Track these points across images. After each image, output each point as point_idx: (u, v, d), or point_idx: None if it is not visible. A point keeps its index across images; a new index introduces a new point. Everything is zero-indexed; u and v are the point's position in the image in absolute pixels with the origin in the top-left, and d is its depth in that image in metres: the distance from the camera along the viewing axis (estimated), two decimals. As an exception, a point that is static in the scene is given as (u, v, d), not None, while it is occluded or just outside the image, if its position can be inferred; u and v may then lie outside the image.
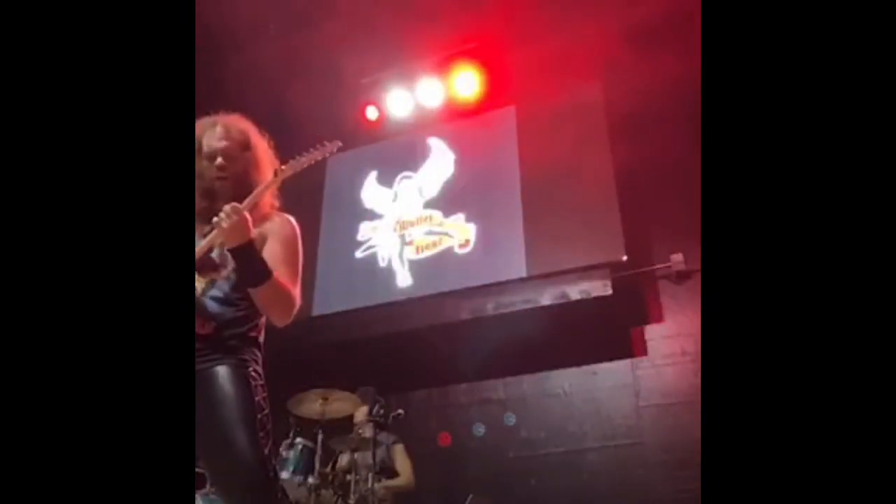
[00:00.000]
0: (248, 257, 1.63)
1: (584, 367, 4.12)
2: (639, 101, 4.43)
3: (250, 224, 1.62)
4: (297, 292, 1.74)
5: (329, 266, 4.78)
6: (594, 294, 4.06)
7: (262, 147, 1.91)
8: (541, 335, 4.04)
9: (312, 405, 3.50)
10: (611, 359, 4.11)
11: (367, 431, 3.59)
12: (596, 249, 4.14)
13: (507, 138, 4.68)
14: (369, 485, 3.35)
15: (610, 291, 4.05)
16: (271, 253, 1.70)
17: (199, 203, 1.73)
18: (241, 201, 1.62)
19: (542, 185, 4.41)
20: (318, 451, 3.38)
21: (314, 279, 4.68)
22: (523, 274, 4.26)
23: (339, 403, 3.56)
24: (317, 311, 4.66)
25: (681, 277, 4.18)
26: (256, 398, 1.61)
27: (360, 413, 3.75)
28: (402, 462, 3.73)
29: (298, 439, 3.45)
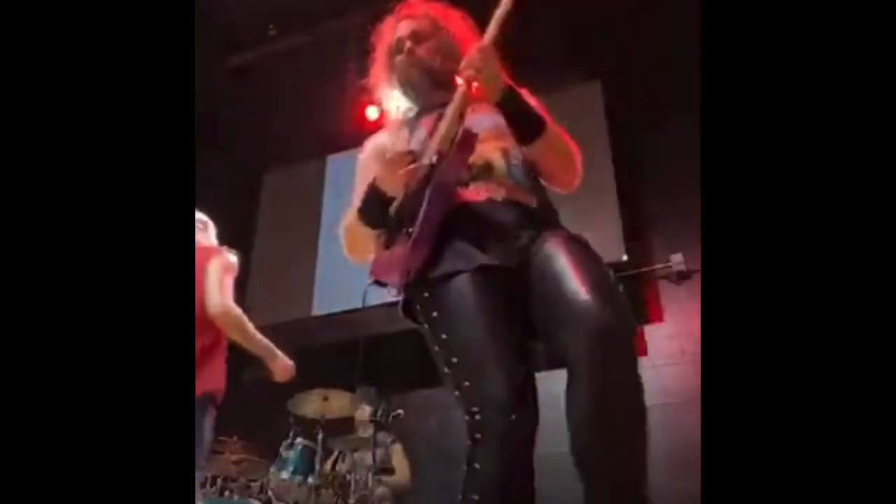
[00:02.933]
0: (515, 104, 1.37)
1: (585, 367, 4.11)
2: (639, 101, 4.43)
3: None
4: (576, 146, 1.47)
5: (329, 266, 4.78)
6: (594, 294, 4.06)
7: (455, 16, 1.63)
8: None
9: (312, 405, 3.51)
10: (611, 359, 4.10)
11: (367, 431, 3.60)
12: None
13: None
14: (369, 485, 3.36)
15: (610, 291, 4.04)
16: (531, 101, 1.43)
17: (413, 95, 1.57)
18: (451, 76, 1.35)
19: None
20: (318, 451, 3.38)
21: (314, 279, 4.68)
22: (523, 274, 4.25)
23: (339, 403, 3.56)
24: (317, 311, 4.66)
25: (681, 277, 4.18)
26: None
27: (361, 413, 3.75)
28: (401, 462, 3.73)
29: (298, 439, 3.46)
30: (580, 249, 1.31)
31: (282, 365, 2.47)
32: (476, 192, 1.36)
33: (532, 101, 1.46)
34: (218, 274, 2.44)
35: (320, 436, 3.42)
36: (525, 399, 1.25)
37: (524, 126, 1.40)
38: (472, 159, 1.36)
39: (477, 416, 1.20)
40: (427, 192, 1.29)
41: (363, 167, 1.57)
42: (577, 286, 1.20)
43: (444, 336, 1.28)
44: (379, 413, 3.58)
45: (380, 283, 1.37)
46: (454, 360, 1.25)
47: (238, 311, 2.43)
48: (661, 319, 4.19)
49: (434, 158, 1.31)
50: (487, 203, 1.35)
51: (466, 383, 1.22)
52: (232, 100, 5.34)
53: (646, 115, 4.43)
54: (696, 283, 4.07)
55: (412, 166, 1.32)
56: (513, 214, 1.34)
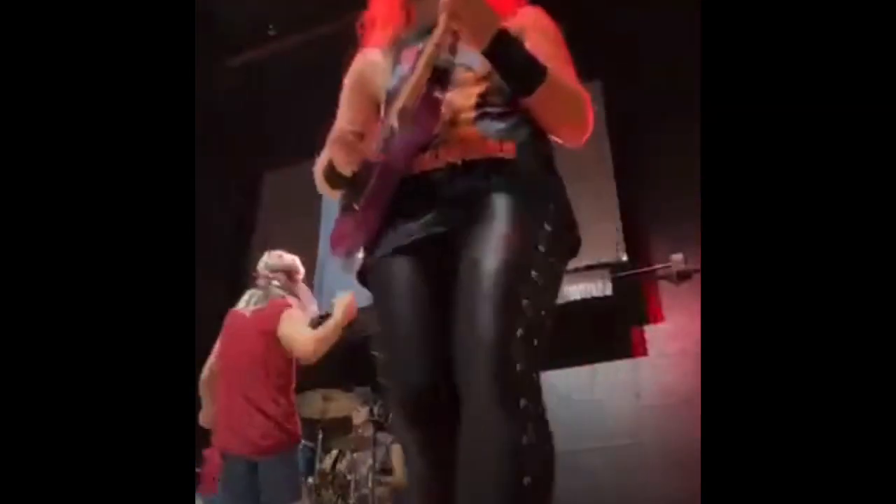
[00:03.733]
0: (507, 55, 1.17)
1: (584, 367, 4.12)
2: (639, 101, 4.43)
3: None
4: (586, 94, 1.27)
5: (329, 266, 4.77)
6: (594, 294, 4.06)
7: None
8: (541, 335, 4.03)
9: (313, 405, 3.51)
10: (611, 359, 4.11)
11: (367, 431, 3.60)
12: (596, 249, 4.14)
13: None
14: (369, 485, 3.36)
15: (610, 291, 4.05)
16: (536, 50, 1.22)
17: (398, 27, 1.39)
18: None
19: (542, 185, 4.40)
20: (319, 451, 3.38)
21: (314, 279, 4.68)
22: (523, 274, 4.25)
23: (339, 403, 3.56)
24: (317, 311, 4.65)
25: (681, 277, 4.18)
26: None
27: (357, 415, 3.75)
28: (401, 462, 3.73)
29: (298, 439, 3.46)
30: (515, 227, 1.14)
31: (345, 308, 2.63)
32: (434, 158, 1.22)
33: (535, 34, 1.29)
34: (290, 328, 2.60)
35: (320, 436, 3.42)
36: (447, 377, 1.11)
37: (518, 78, 1.20)
38: (443, 109, 1.19)
39: (388, 390, 1.16)
40: (377, 167, 1.21)
41: (346, 90, 1.47)
42: (486, 310, 1.06)
43: (378, 316, 1.22)
44: (378, 413, 3.58)
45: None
46: (380, 339, 1.21)
47: (314, 344, 2.59)
48: (661, 319, 4.19)
49: (396, 125, 1.19)
50: (446, 170, 1.20)
51: (384, 359, 1.18)
52: (232, 100, 5.34)
53: (646, 115, 4.43)
54: (696, 283, 4.07)
55: (362, 149, 1.23)
56: (470, 179, 1.19)
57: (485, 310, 1.06)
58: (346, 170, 1.25)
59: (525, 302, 1.09)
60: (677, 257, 4.17)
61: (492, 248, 1.11)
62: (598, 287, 4.06)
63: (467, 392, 1.06)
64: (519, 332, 1.06)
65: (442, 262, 1.17)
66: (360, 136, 1.25)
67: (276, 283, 2.76)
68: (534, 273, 1.12)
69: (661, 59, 4.33)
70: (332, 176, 1.29)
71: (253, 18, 5.08)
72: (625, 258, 4.09)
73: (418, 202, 1.22)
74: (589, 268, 4.10)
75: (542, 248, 1.15)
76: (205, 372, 2.68)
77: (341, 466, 3.68)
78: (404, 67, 1.31)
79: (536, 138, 1.26)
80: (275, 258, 2.84)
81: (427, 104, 1.16)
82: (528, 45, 1.23)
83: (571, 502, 3.85)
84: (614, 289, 4.06)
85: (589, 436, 3.91)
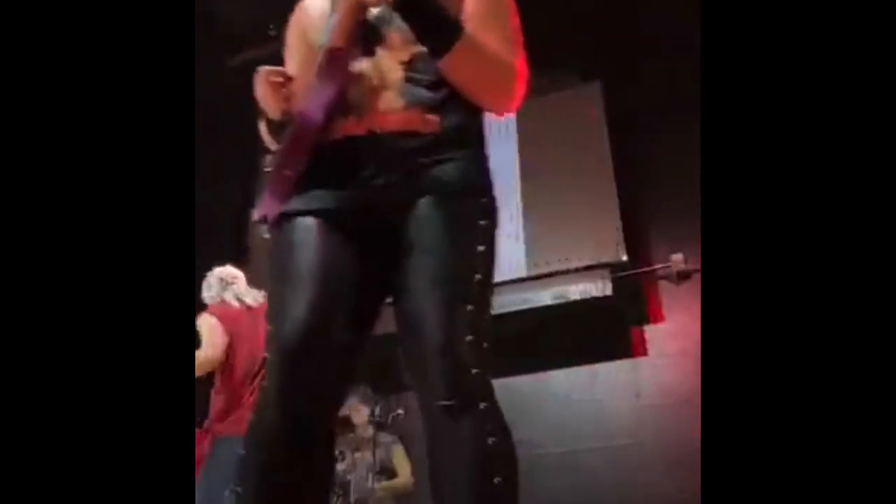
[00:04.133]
0: (416, 7, 1.11)
1: (584, 367, 4.12)
2: (639, 101, 4.43)
3: None
4: (518, 61, 1.20)
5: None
6: (594, 294, 4.06)
7: None
8: (541, 335, 4.04)
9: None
10: (611, 359, 4.11)
11: (368, 431, 3.60)
12: (596, 249, 4.14)
13: (507, 138, 4.68)
14: (369, 485, 3.36)
15: (610, 291, 4.05)
16: (470, 12, 1.17)
17: None
18: None
19: (542, 185, 4.41)
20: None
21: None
22: (523, 274, 4.26)
23: (339, 403, 3.56)
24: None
25: (681, 277, 4.18)
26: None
27: (357, 415, 3.75)
28: (401, 463, 3.74)
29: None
30: (454, 227, 1.11)
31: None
32: (356, 124, 1.16)
33: None
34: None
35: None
36: (334, 326, 1.07)
37: (430, 34, 1.12)
38: (369, 73, 1.15)
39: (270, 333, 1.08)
40: (290, 129, 1.14)
41: (287, 41, 1.37)
42: (433, 321, 1.05)
43: (274, 270, 1.16)
44: (378, 413, 3.58)
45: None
46: (273, 293, 1.15)
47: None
48: (661, 319, 4.19)
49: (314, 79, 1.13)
50: (367, 138, 1.14)
51: (276, 309, 1.11)
52: (232, 100, 5.34)
53: (646, 115, 4.43)
54: (696, 283, 4.07)
55: (286, 93, 1.16)
56: (392, 150, 1.13)
57: (432, 319, 1.05)
58: (274, 113, 1.19)
59: (470, 307, 1.08)
60: (677, 257, 4.17)
61: (433, 253, 1.09)
62: (598, 287, 4.06)
63: (427, 402, 1.06)
64: (468, 337, 1.06)
65: (354, 233, 1.13)
66: (288, 78, 1.18)
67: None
68: (477, 276, 1.11)
69: (661, 59, 4.33)
70: (266, 123, 1.22)
71: (253, 18, 5.07)
72: (625, 258, 4.09)
73: (335, 169, 1.16)
74: (589, 268, 4.11)
75: (481, 248, 1.13)
76: (205, 363, 2.68)
77: (341, 466, 3.68)
78: (335, 17, 1.22)
79: (464, 111, 1.20)
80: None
81: (333, 60, 1.10)
82: (466, 5, 1.18)
83: (571, 502, 3.85)
84: (614, 289, 4.06)
85: (589, 436, 3.91)
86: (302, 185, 1.17)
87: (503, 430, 1.09)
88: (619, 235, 4.12)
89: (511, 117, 4.74)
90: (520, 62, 1.21)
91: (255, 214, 1.20)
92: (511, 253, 4.32)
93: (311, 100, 1.14)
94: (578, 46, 4.49)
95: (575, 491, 3.81)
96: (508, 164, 4.58)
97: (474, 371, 1.05)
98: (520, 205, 4.44)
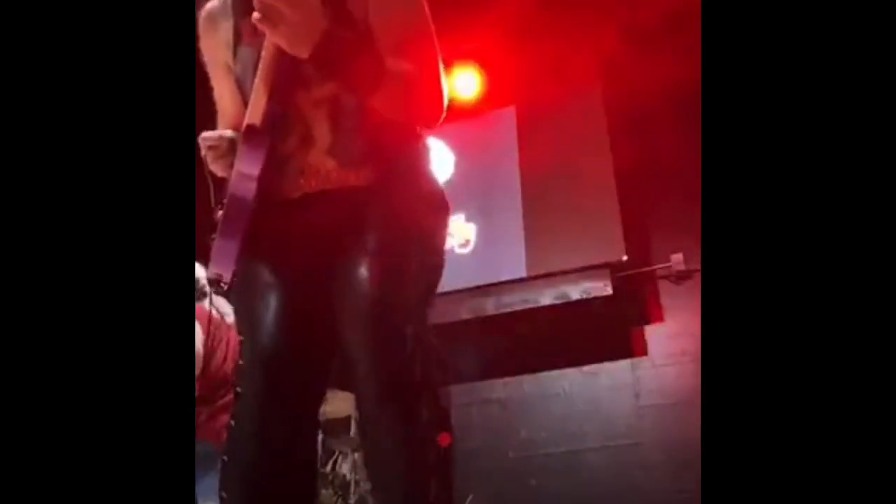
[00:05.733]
0: (332, 58, 1.04)
1: (585, 368, 4.12)
2: (639, 101, 4.43)
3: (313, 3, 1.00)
4: (432, 72, 1.15)
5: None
6: (594, 294, 4.07)
7: None
8: (541, 335, 4.04)
9: (312, 405, 3.50)
10: (611, 359, 4.11)
11: (367, 431, 3.60)
12: (596, 249, 4.14)
13: (507, 139, 4.67)
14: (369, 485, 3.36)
15: (610, 291, 4.05)
16: (379, 19, 1.12)
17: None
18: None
19: (543, 185, 4.41)
20: (319, 451, 3.39)
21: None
22: (523, 274, 4.26)
23: (339, 403, 3.56)
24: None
25: (681, 277, 4.18)
26: None
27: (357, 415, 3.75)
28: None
29: (299, 439, 3.46)
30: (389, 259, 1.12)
31: None
32: (292, 186, 1.17)
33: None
34: None
35: (320, 436, 3.42)
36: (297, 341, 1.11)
37: (348, 80, 1.09)
38: (291, 121, 1.14)
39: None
40: (226, 201, 1.15)
41: (202, 49, 1.31)
42: (362, 278, 1.06)
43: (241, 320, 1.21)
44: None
45: None
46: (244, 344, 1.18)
47: None
48: (661, 319, 4.19)
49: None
50: (302, 200, 1.16)
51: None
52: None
53: (645, 115, 4.43)
54: (696, 283, 4.07)
55: (223, 151, 1.18)
56: (327, 214, 1.15)
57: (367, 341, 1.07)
58: (221, 174, 1.22)
59: (409, 328, 1.08)
60: (677, 257, 4.17)
61: (368, 296, 1.08)
62: (598, 287, 4.07)
63: (374, 415, 1.06)
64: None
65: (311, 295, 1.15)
66: (228, 139, 1.20)
67: None
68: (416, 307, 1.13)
69: (661, 59, 4.33)
70: (213, 184, 1.23)
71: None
72: (625, 258, 4.09)
73: (278, 231, 1.18)
74: (589, 268, 4.11)
75: (411, 292, 1.13)
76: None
77: (341, 466, 3.68)
78: (247, 51, 1.19)
79: (393, 146, 1.18)
80: None
81: (252, 138, 1.11)
82: (371, 12, 1.13)
83: (571, 502, 3.85)
84: (614, 289, 4.06)
85: (589, 436, 3.91)
86: (250, 247, 1.18)
87: (443, 415, 1.10)
88: (619, 235, 4.12)
89: (511, 116, 4.75)
90: (433, 70, 1.16)
91: (209, 273, 1.19)
92: (511, 253, 4.32)
93: (239, 175, 1.15)
94: (578, 47, 4.49)
95: (575, 491, 3.81)
96: (508, 165, 4.58)
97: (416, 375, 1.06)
98: (520, 205, 4.44)
